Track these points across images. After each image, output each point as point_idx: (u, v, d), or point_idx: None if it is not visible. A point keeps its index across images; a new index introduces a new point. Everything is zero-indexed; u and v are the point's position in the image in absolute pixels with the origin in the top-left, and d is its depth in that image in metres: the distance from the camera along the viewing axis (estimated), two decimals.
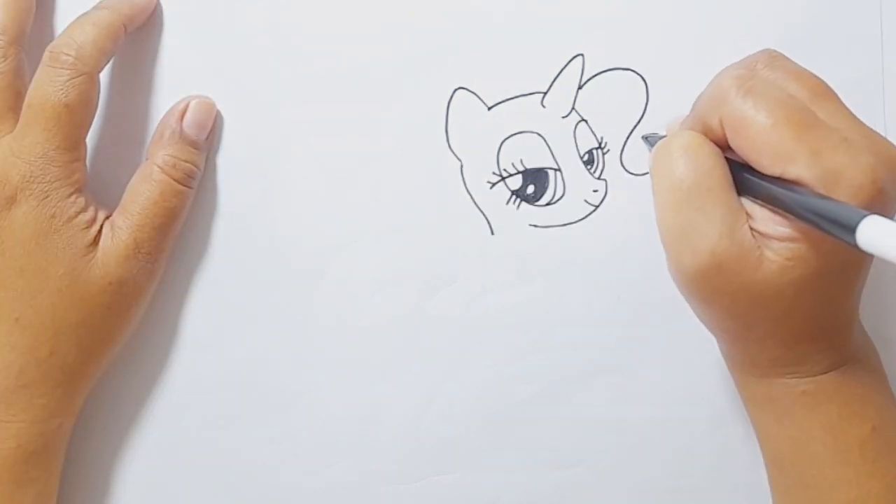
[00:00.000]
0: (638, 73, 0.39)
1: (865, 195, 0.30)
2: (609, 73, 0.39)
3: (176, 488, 0.42)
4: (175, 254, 0.40)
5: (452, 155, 0.40)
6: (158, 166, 0.38)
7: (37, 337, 0.37)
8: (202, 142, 0.39)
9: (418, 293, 0.40)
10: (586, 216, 0.40)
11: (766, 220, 0.32)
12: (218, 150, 0.40)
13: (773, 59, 0.34)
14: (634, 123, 0.39)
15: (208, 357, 0.41)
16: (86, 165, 0.37)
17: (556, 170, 0.40)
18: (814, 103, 0.32)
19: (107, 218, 0.38)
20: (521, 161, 0.40)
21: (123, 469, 0.41)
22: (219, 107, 0.40)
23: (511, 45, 0.39)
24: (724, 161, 0.33)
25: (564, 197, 0.40)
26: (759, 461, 0.40)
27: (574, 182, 0.40)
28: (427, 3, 0.39)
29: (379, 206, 0.40)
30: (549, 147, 0.39)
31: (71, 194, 0.36)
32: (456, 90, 0.39)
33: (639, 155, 0.40)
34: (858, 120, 0.33)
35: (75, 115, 0.36)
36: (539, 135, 0.39)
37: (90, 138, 0.38)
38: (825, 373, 0.34)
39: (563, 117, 0.39)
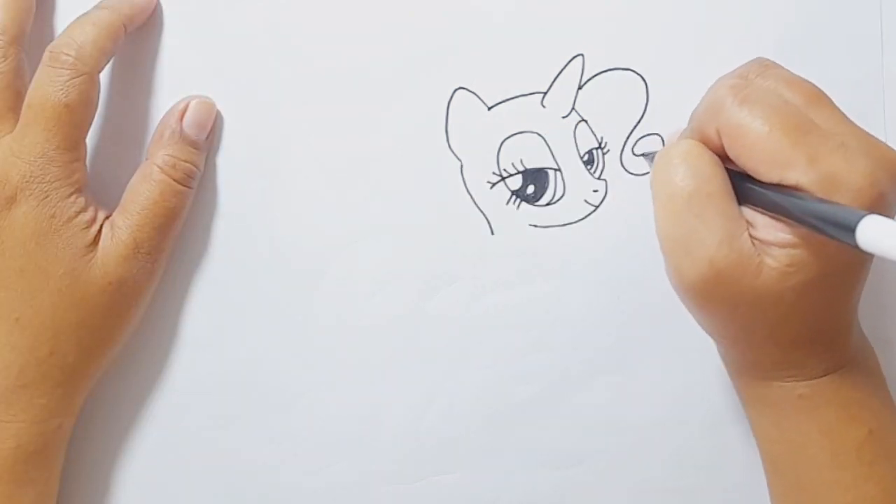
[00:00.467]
0: (638, 73, 0.39)
1: (865, 199, 0.30)
2: (609, 73, 0.39)
3: (176, 488, 0.42)
4: (175, 254, 0.40)
5: (452, 155, 0.40)
6: (158, 166, 0.38)
7: (37, 337, 0.37)
8: (202, 142, 0.39)
9: (418, 293, 0.40)
10: (586, 216, 0.40)
11: (766, 226, 0.32)
12: (218, 150, 0.40)
13: (766, 67, 0.34)
14: (634, 123, 0.39)
15: (208, 357, 0.41)
16: (86, 165, 0.37)
17: (556, 170, 0.40)
18: (809, 109, 0.32)
19: (107, 218, 0.38)
20: (521, 161, 0.40)
21: (123, 469, 0.41)
22: (219, 107, 0.40)
23: (511, 45, 0.39)
24: (723, 169, 0.33)
25: (564, 197, 0.40)
26: (757, 462, 0.40)
27: (574, 182, 0.40)
28: (427, 3, 0.39)
29: (379, 206, 0.40)
30: (549, 147, 0.40)
31: (71, 194, 0.36)
32: (456, 90, 0.39)
33: (639, 155, 0.40)
34: (855, 124, 0.33)
35: (75, 115, 0.36)
36: (539, 135, 0.39)
37: (90, 138, 0.38)
38: (823, 376, 0.34)
39: (563, 117, 0.39)
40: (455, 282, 0.40)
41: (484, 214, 0.40)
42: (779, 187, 0.32)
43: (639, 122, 0.39)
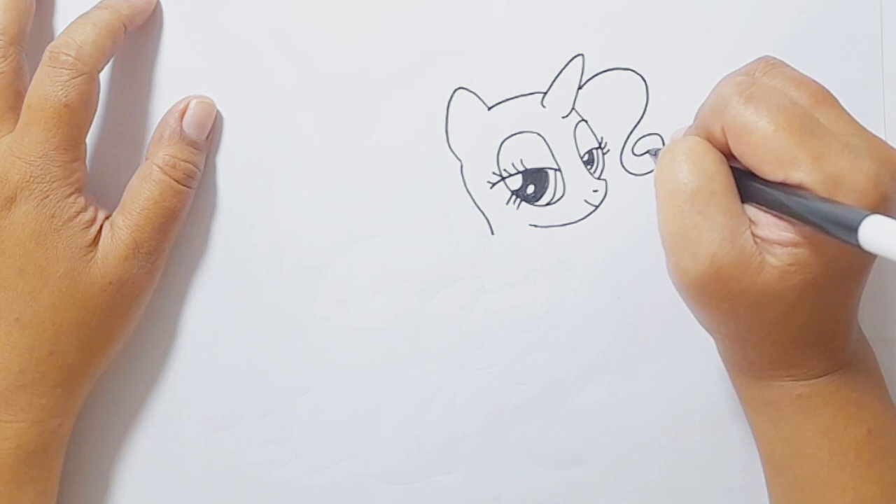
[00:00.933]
0: (638, 73, 0.39)
1: (868, 200, 0.30)
2: (609, 73, 0.39)
3: (176, 488, 0.42)
4: (175, 254, 0.40)
5: (452, 155, 0.40)
6: (158, 166, 0.38)
7: (37, 337, 0.37)
8: (202, 142, 0.39)
9: (418, 293, 0.40)
10: (586, 216, 0.40)
11: (768, 225, 0.32)
12: (218, 150, 0.40)
13: (773, 66, 0.34)
14: (634, 123, 0.39)
15: (208, 357, 0.41)
16: (86, 165, 0.37)
17: (556, 170, 0.40)
18: (815, 109, 0.32)
19: (107, 218, 0.38)
20: (521, 161, 0.40)
21: (123, 469, 0.41)
22: (219, 107, 0.40)
23: (511, 45, 0.39)
24: (727, 167, 0.33)
25: (564, 197, 0.40)
26: (757, 462, 0.40)
27: (574, 182, 0.40)
28: (427, 3, 0.39)
29: (379, 206, 0.40)
30: (549, 147, 0.40)
31: (71, 194, 0.36)
32: (456, 90, 0.39)
33: (639, 155, 0.40)
34: (860, 125, 0.33)
35: (75, 115, 0.36)
36: (539, 135, 0.39)
37: (90, 138, 0.38)
38: (822, 376, 0.35)
39: (563, 117, 0.39)
40: (455, 282, 0.40)
41: (484, 214, 0.40)
42: (782, 186, 0.32)
43: (639, 122, 0.39)
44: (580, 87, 0.39)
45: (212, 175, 0.40)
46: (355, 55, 0.39)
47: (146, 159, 0.38)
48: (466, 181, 0.40)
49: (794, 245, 0.32)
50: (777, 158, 0.31)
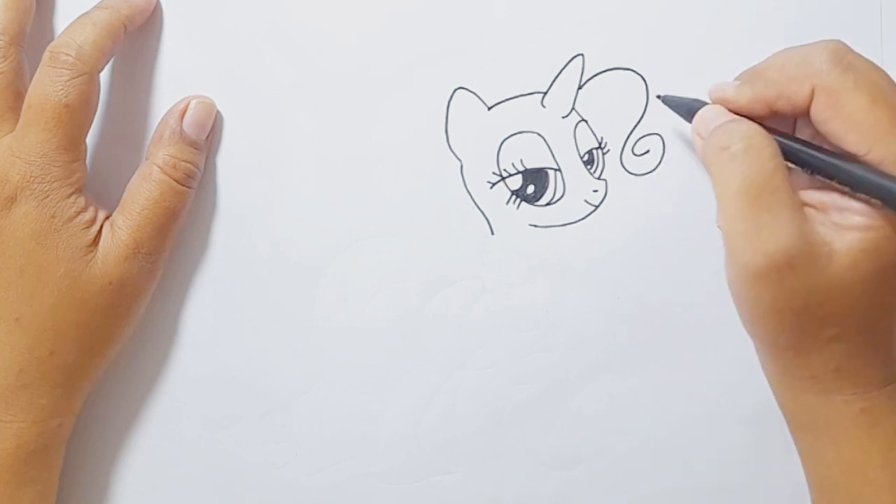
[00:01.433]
0: (638, 73, 0.39)
1: None
2: (609, 73, 0.39)
3: (176, 488, 0.42)
4: (175, 254, 0.40)
5: (452, 155, 0.40)
6: (158, 166, 0.38)
7: (37, 337, 0.37)
8: (202, 142, 0.39)
9: (418, 293, 0.40)
10: (586, 216, 0.40)
11: (838, 209, 0.33)
12: (218, 150, 0.40)
13: (849, 49, 0.34)
14: (634, 123, 0.39)
15: (208, 357, 0.41)
16: (86, 165, 0.37)
17: (556, 170, 0.40)
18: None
19: (107, 218, 0.38)
20: (521, 161, 0.40)
21: (123, 469, 0.41)
22: (219, 107, 0.40)
23: (511, 45, 0.39)
24: (781, 157, 0.34)
25: (564, 197, 0.40)
26: (758, 461, 0.40)
27: (574, 182, 0.40)
28: (427, 3, 0.39)
29: (379, 207, 0.40)
30: (549, 147, 0.40)
31: (71, 194, 0.36)
32: (456, 90, 0.39)
33: (639, 155, 0.40)
34: None
35: (75, 116, 0.36)
36: (539, 135, 0.39)
37: (90, 138, 0.38)
38: (884, 386, 0.34)
39: (563, 117, 0.39)
40: (455, 282, 0.40)
41: (484, 214, 0.40)
42: (857, 161, 0.32)
43: (639, 121, 0.39)
44: (580, 87, 0.39)
45: (212, 175, 0.40)
46: (355, 55, 0.39)
47: (146, 159, 0.38)
48: (466, 181, 0.40)
49: (865, 230, 0.32)
50: (868, 130, 0.32)
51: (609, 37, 0.39)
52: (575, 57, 0.39)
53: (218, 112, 0.40)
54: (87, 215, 0.37)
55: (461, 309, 0.40)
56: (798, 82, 0.34)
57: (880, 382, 0.34)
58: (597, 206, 0.40)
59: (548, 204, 0.40)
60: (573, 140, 0.40)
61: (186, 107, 0.39)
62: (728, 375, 0.39)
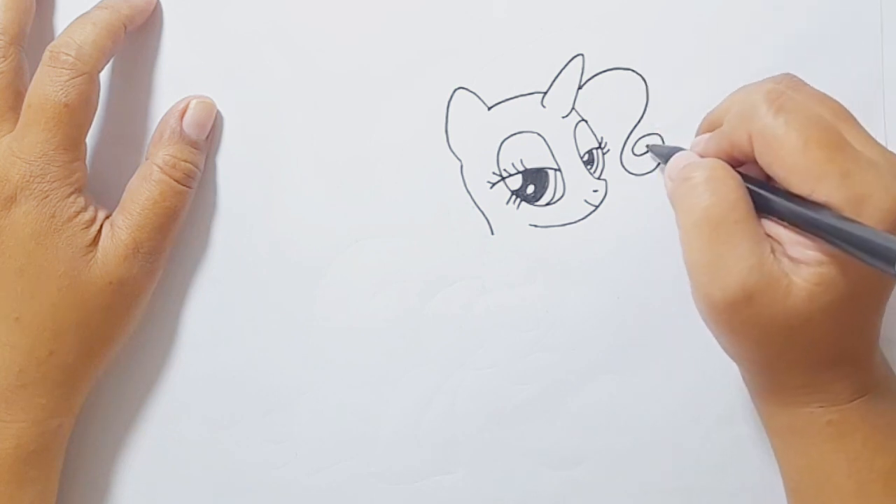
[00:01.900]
0: (638, 73, 0.39)
1: (892, 219, 0.31)
2: (609, 73, 0.39)
3: (176, 488, 0.42)
4: (175, 254, 0.40)
5: (452, 155, 0.40)
6: (158, 166, 0.38)
7: (37, 337, 0.37)
8: (202, 142, 0.39)
9: (418, 293, 0.40)
10: (586, 216, 0.40)
11: (793, 244, 0.32)
12: (218, 150, 0.40)
13: (796, 82, 0.34)
14: (634, 123, 0.39)
15: (208, 357, 0.41)
16: (86, 165, 0.37)
17: (556, 170, 0.40)
18: (839, 126, 0.32)
19: (106, 218, 0.38)
20: (521, 161, 0.40)
21: (123, 469, 0.41)
22: (219, 107, 0.40)
23: (511, 45, 0.39)
24: (746, 191, 0.33)
25: (564, 197, 0.40)
26: (759, 461, 0.40)
27: (574, 182, 0.40)
28: (427, 3, 0.39)
29: (379, 206, 0.40)
30: (549, 147, 0.40)
31: (71, 194, 0.36)
32: (456, 90, 0.39)
33: (639, 155, 0.40)
34: (879, 143, 0.33)
35: (75, 115, 0.36)
36: (539, 135, 0.39)
37: (90, 138, 0.38)
38: (851, 401, 0.34)
39: (563, 117, 0.39)
40: (455, 282, 0.40)
41: (484, 214, 0.40)
42: (806, 202, 0.32)
43: (639, 121, 0.39)
44: (580, 87, 0.39)
45: (212, 175, 0.40)
46: (355, 55, 0.39)
47: (146, 159, 0.38)
48: (466, 181, 0.40)
49: (820, 264, 0.32)
50: (805, 172, 0.31)
51: (609, 37, 0.39)
52: (575, 57, 0.39)
53: (218, 112, 0.40)
54: (87, 215, 0.37)
55: (461, 309, 0.40)
56: (739, 129, 0.33)
57: (848, 397, 0.34)
58: (597, 206, 0.40)
59: (548, 204, 0.40)
60: (573, 140, 0.40)
61: (186, 107, 0.38)
62: (728, 375, 0.39)
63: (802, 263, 0.32)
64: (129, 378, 0.41)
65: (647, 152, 0.39)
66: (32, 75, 0.36)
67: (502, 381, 0.41)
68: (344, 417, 0.41)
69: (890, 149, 0.38)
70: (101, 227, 0.37)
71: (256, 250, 0.40)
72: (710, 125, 0.37)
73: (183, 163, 0.38)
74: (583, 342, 0.40)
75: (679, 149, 0.38)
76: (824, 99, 0.34)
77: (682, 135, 0.39)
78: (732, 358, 0.36)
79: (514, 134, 0.40)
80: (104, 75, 0.38)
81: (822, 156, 0.31)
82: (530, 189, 0.40)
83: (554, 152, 0.40)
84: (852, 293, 0.32)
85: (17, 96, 0.37)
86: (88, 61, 0.36)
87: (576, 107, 0.39)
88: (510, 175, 0.40)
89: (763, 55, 0.39)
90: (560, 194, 0.40)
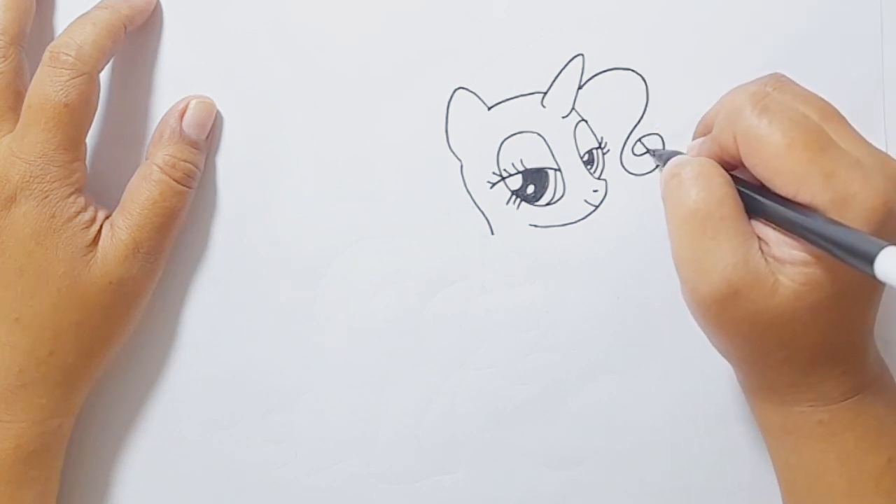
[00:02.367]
0: (638, 73, 0.39)
1: (877, 218, 0.30)
2: (609, 73, 0.39)
3: (176, 488, 0.42)
4: (175, 254, 0.40)
5: (452, 155, 0.40)
6: (158, 166, 0.38)
7: (37, 337, 0.37)
8: (202, 142, 0.39)
9: (418, 293, 0.40)
10: (586, 216, 0.40)
11: (779, 244, 0.32)
12: (218, 150, 0.40)
13: (782, 82, 0.34)
14: (634, 123, 0.39)
15: (208, 357, 0.41)
16: (86, 165, 0.37)
17: (556, 170, 0.40)
18: (824, 125, 0.32)
19: (106, 218, 0.38)
20: (521, 161, 0.40)
21: (123, 469, 0.41)
22: (219, 107, 0.40)
23: (511, 45, 0.39)
24: (734, 188, 0.33)
25: (564, 197, 0.40)
26: (758, 461, 0.40)
27: (574, 182, 0.40)
28: (427, 3, 0.39)
29: (379, 207, 0.40)
30: (549, 147, 0.40)
31: (71, 194, 0.36)
32: (456, 90, 0.39)
33: (639, 155, 0.40)
34: (866, 141, 0.33)
35: (75, 115, 0.36)
36: (539, 135, 0.39)
37: (90, 138, 0.38)
38: (842, 401, 0.34)
39: (563, 117, 0.39)
40: (455, 282, 0.40)
41: (484, 214, 0.40)
42: (791, 203, 0.31)
43: (639, 121, 0.39)
44: (580, 87, 0.39)
45: (212, 175, 0.40)
46: (355, 55, 0.39)
47: (146, 159, 0.38)
48: (466, 181, 0.40)
49: (805, 264, 0.32)
50: (789, 174, 0.31)
51: (609, 37, 0.39)
52: (575, 57, 0.39)
53: (218, 112, 0.40)
54: (87, 215, 0.37)
55: (461, 309, 0.40)
56: (726, 132, 0.33)
57: (838, 397, 0.34)
58: (597, 206, 0.40)
59: (548, 204, 0.40)
60: (573, 140, 0.40)
61: (186, 107, 0.38)
62: (728, 375, 0.39)
63: (788, 263, 0.32)
64: (129, 378, 0.41)
65: (646, 153, 0.39)
66: (32, 75, 0.36)
67: (502, 381, 0.41)
68: (344, 417, 0.41)
69: (890, 149, 0.38)
70: (101, 227, 0.37)
71: (256, 250, 0.40)
72: (704, 128, 0.37)
73: (183, 163, 0.38)
74: (583, 342, 0.40)
75: (678, 153, 0.38)
76: (811, 98, 0.33)
77: (682, 134, 0.39)
78: (723, 355, 0.36)
79: (514, 134, 0.40)
80: (104, 75, 0.38)
81: (805, 157, 0.31)
82: (530, 189, 0.40)
83: (554, 152, 0.40)
84: (839, 293, 0.32)
85: (17, 96, 0.37)
86: (88, 61, 0.36)
87: (576, 107, 0.39)
88: (510, 175, 0.40)
89: (763, 55, 0.39)
90: (560, 194, 0.40)
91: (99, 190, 0.39)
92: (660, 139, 0.39)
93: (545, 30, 0.39)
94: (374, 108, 0.40)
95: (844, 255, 0.29)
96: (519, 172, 0.40)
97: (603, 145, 0.40)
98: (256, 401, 0.41)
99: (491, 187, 0.40)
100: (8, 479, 0.37)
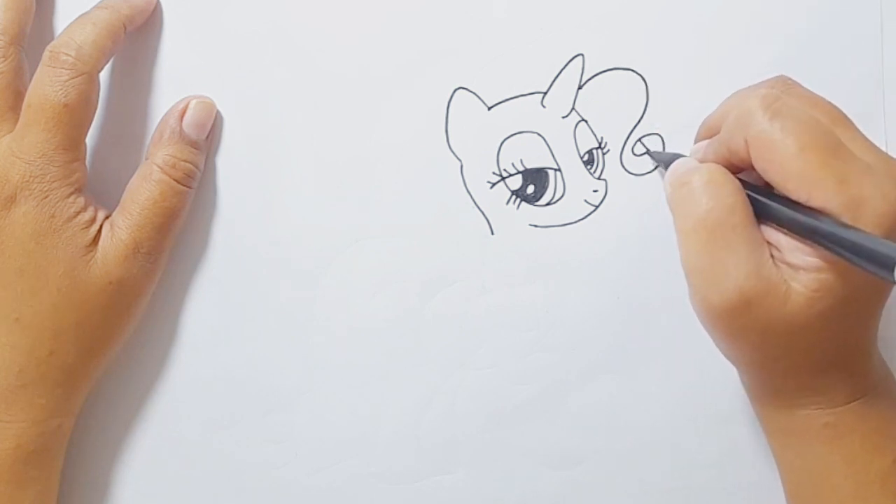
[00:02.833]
0: (638, 73, 0.39)
1: (888, 223, 0.30)
2: (609, 73, 0.39)
3: (176, 488, 0.42)
4: (175, 254, 0.40)
5: (452, 155, 0.40)
6: (158, 166, 0.38)
7: (37, 337, 0.37)
8: (202, 142, 0.39)
9: (418, 293, 0.40)
10: (586, 216, 0.40)
11: (792, 250, 0.32)
12: (218, 150, 0.40)
13: (790, 85, 0.34)
14: (634, 123, 0.39)
15: (208, 357, 0.41)
16: (86, 165, 0.37)
17: (556, 170, 0.40)
18: (835, 129, 0.32)
19: (106, 218, 0.38)
20: (521, 161, 0.40)
21: (123, 469, 0.41)
22: (219, 107, 0.40)
23: (511, 45, 0.39)
24: (744, 195, 0.33)
25: (564, 197, 0.40)
26: (759, 461, 0.40)
27: (574, 182, 0.40)
28: (427, 3, 0.39)
29: (379, 207, 0.40)
30: (549, 147, 0.39)
31: (70, 194, 0.36)
32: (456, 90, 0.39)
33: (639, 155, 0.40)
34: (875, 146, 0.33)
35: (75, 115, 0.36)
36: (539, 135, 0.39)
37: (90, 138, 0.38)
38: (847, 403, 0.34)
39: (563, 117, 0.39)
40: (455, 282, 0.40)
41: (484, 214, 0.40)
42: (803, 208, 0.31)
43: (639, 121, 0.39)
44: (580, 87, 0.39)
45: (212, 175, 0.40)
46: (355, 55, 0.39)
47: (146, 159, 0.38)
48: (466, 181, 0.40)
49: (819, 270, 0.32)
50: (801, 178, 0.31)
51: (609, 37, 0.39)
52: (575, 57, 0.39)
53: (218, 112, 0.40)
54: (87, 215, 0.37)
55: (461, 309, 0.40)
56: (736, 135, 0.33)
57: (844, 399, 0.34)
58: (597, 206, 0.40)
59: (548, 204, 0.40)
60: (573, 140, 0.40)
61: (186, 107, 0.38)
62: (729, 375, 0.39)
63: (801, 269, 0.32)
64: (129, 378, 0.41)
65: (646, 152, 0.39)
66: (32, 75, 0.36)
67: (502, 381, 0.41)
68: (344, 417, 0.41)
69: (890, 149, 0.38)
70: (101, 227, 0.37)
71: (256, 250, 0.40)
72: (707, 131, 0.37)
73: (183, 163, 0.38)
74: (583, 342, 0.40)
75: (679, 155, 0.38)
76: (820, 102, 0.33)
77: (683, 135, 0.39)
78: (730, 361, 0.36)
79: (514, 134, 0.40)
80: (104, 75, 0.38)
81: (818, 161, 0.31)
82: (530, 189, 0.40)
83: (554, 152, 0.40)
84: (850, 299, 0.32)
85: (17, 96, 0.37)
86: (88, 61, 0.36)
87: (576, 107, 0.39)
88: (510, 175, 0.40)
89: (763, 55, 0.39)
90: (560, 194, 0.40)
91: (99, 190, 0.39)
92: (660, 139, 0.39)
93: (545, 30, 0.39)
94: (374, 108, 0.40)
95: (862, 261, 0.29)
96: (519, 172, 0.40)
97: (603, 145, 0.40)
98: (256, 401, 0.41)
99: (491, 187, 0.40)
100: (8, 479, 0.37)
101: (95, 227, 0.37)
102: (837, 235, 0.30)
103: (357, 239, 0.40)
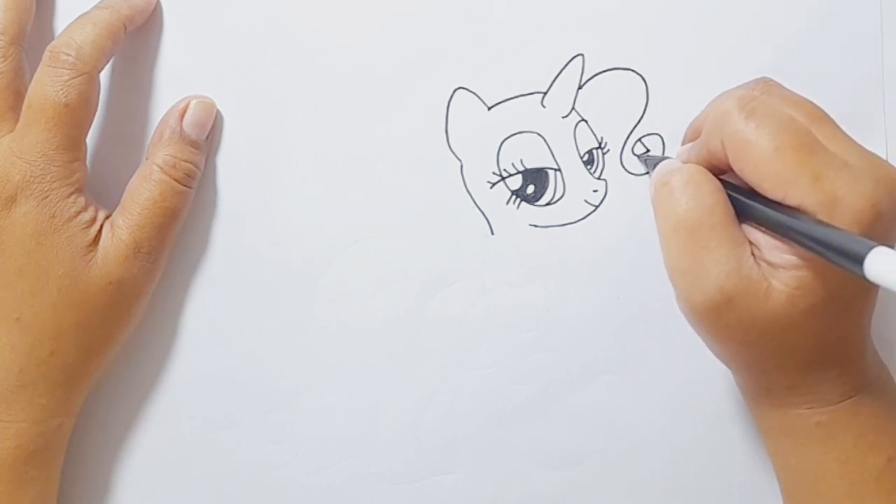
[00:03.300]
0: (638, 73, 0.39)
1: (866, 220, 0.30)
2: (609, 73, 0.39)
3: (176, 488, 0.42)
4: (175, 254, 0.40)
5: (452, 155, 0.40)
6: (158, 166, 0.38)
7: (37, 337, 0.37)
8: (202, 142, 0.39)
9: (418, 293, 0.40)
10: (586, 216, 0.40)
11: (771, 248, 0.32)
12: (218, 150, 0.40)
13: (770, 85, 0.34)
14: (634, 123, 0.39)
15: (208, 357, 0.41)
16: (86, 165, 0.37)
17: (556, 170, 0.40)
18: (813, 128, 0.32)
19: (107, 218, 0.38)
20: (521, 161, 0.40)
21: (123, 469, 0.41)
22: (219, 107, 0.40)
23: (511, 45, 0.39)
24: (724, 195, 0.33)
25: (564, 197, 0.40)
26: (757, 461, 0.40)
27: (574, 182, 0.40)
28: (427, 3, 0.39)
29: (379, 207, 0.40)
30: (549, 147, 0.40)
31: (71, 194, 0.36)
32: (456, 90, 0.39)
33: (639, 155, 0.40)
34: (855, 143, 0.33)
35: (75, 115, 0.36)
36: (539, 135, 0.39)
37: (90, 138, 0.38)
38: (840, 402, 0.34)
39: (563, 117, 0.39)
40: (455, 282, 0.40)
41: (484, 214, 0.40)
42: (782, 206, 0.31)
43: (639, 121, 0.39)
44: (580, 87, 0.39)
45: (212, 175, 0.40)
46: (355, 55, 0.39)
47: (146, 159, 0.38)
48: (466, 181, 0.40)
49: (797, 268, 0.32)
50: (777, 177, 0.31)
51: (609, 37, 0.39)
52: (575, 57, 0.39)
53: (218, 112, 0.40)
54: (87, 215, 0.37)
55: (461, 309, 0.40)
56: (714, 136, 0.33)
57: (836, 398, 0.34)
58: (597, 206, 0.40)
59: (548, 204, 0.40)
60: (573, 140, 0.40)
61: (186, 107, 0.39)
62: (727, 375, 0.39)
63: (781, 267, 0.32)
64: (129, 378, 0.41)
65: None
66: (32, 75, 0.36)
67: (502, 381, 0.41)
68: (344, 417, 0.41)
69: (891, 149, 0.38)
70: (102, 227, 0.37)
71: (256, 250, 0.40)
72: (693, 133, 0.37)
73: (183, 163, 0.38)
74: (583, 342, 0.40)
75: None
76: (799, 101, 0.33)
77: (682, 135, 0.39)
78: (721, 361, 0.36)
79: (514, 134, 0.40)
80: (104, 75, 0.38)
81: (793, 160, 0.31)
82: (530, 189, 0.40)
83: (554, 152, 0.40)
84: (832, 296, 0.32)
85: (17, 96, 0.37)
86: (88, 61, 0.36)
87: (576, 107, 0.39)
88: (510, 175, 0.40)
89: (763, 55, 0.39)
90: (560, 194, 0.40)
91: (99, 190, 0.39)
92: (660, 139, 0.39)
93: (545, 30, 0.39)
94: (374, 107, 0.40)
95: (834, 257, 0.29)
96: (519, 172, 0.40)
97: (603, 145, 0.40)
98: (256, 401, 0.41)
99: (491, 187, 0.40)
100: (8, 479, 0.37)
101: (96, 227, 0.37)
102: (811, 233, 0.30)
103: (357, 239, 0.40)
